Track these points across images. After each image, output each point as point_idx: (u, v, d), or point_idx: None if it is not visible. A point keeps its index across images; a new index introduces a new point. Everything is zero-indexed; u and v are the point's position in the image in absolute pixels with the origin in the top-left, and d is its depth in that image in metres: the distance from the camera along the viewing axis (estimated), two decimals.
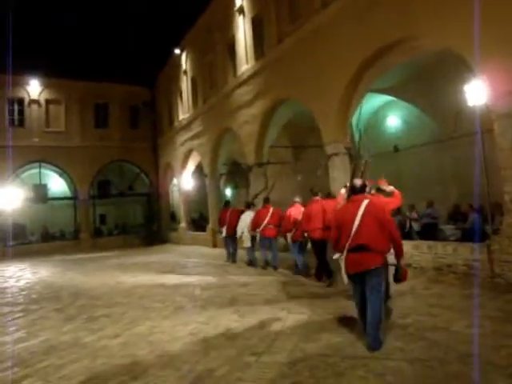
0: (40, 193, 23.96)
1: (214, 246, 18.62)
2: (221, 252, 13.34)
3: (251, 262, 11.68)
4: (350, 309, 6.30)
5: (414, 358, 4.30)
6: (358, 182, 5.10)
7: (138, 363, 4.76)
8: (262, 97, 14.74)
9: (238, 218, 12.26)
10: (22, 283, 12.08)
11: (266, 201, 11.55)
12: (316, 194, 9.13)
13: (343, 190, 7.84)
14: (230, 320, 6.29)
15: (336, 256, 5.00)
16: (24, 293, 10.33)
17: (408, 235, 11.52)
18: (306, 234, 9.12)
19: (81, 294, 9.62)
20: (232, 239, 12.84)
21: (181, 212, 24.13)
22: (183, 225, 23.35)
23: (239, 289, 8.72)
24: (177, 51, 22.32)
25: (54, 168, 25.05)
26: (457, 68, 9.99)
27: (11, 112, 23.93)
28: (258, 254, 11.60)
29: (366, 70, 10.52)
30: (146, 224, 26.70)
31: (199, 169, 21.98)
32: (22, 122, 24.24)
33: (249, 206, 12.54)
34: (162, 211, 26.91)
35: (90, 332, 6.22)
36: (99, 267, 14.76)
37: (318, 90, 11.70)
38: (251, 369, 4.36)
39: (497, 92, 7.13)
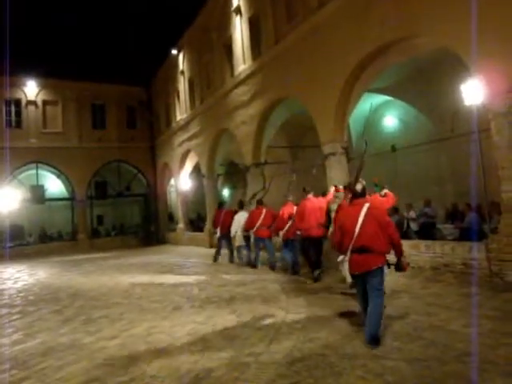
0: (37, 194, 23.93)
1: (212, 246, 18.57)
2: (221, 253, 13.37)
3: (249, 262, 11.70)
4: (347, 306, 6.36)
5: (412, 357, 4.31)
6: (359, 186, 5.31)
7: (136, 364, 4.75)
8: (259, 97, 14.73)
9: (232, 218, 12.49)
10: (19, 285, 12.04)
11: (260, 202, 11.74)
12: (308, 193, 9.28)
13: (332, 189, 8.80)
14: (227, 320, 6.29)
15: (340, 258, 5.23)
16: (22, 294, 10.30)
17: (406, 235, 11.53)
18: (298, 232, 9.29)
19: (79, 295, 9.61)
20: (227, 239, 12.97)
21: (178, 212, 24.09)
22: (181, 225, 23.33)
23: (237, 288, 8.73)
24: (174, 51, 22.26)
25: (52, 169, 24.99)
26: (454, 68, 10.04)
27: (8, 113, 23.86)
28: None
29: (363, 70, 10.52)
30: (144, 225, 26.71)
31: (197, 169, 21.95)
32: (19, 123, 24.17)
33: (242, 206, 12.80)
34: (160, 212, 26.85)
35: (88, 333, 6.21)
36: (97, 268, 14.74)
37: (315, 89, 11.70)
38: (250, 369, 4.35)
39: (494, 91, 7.14)
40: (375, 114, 16.18)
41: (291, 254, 9.97)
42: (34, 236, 24.98)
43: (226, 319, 6.36)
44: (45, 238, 25.13)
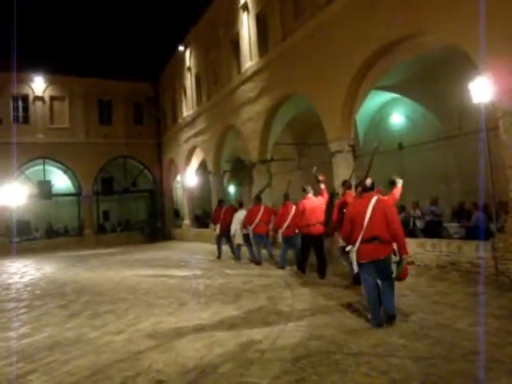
0: (44, 189, 24.10)
1: None
2: (224, 249, 13.40)
3: (253, 259, 11.72)
4: (352, 302, 6.36)
5: (418, 355, 4.30)
6: (368, 181, 5.62)
7: (142, 359, 4.78)
8: (265, 93, 14.72)
9: (232, 216, 12.53)
10: (26, 279, 12.13)
11: (258, 200, 11.86)
12: (308, 192, 9.37)
13: (323, 186, 9.17)
14: (233, 316, 6.31)
15: (349, 248, 5.59)
16: (28, 289, 10.37)
17: (412, 233, 11.50)
18: (297, 231, 9.48)
19: (85, 290, 9.67)
20: (226, 237, 13.04)
21: (184, 209, 24.15)
22: (187, 222, 23.39)
23: (241, 285, 8.74)
24: (181, 48, 22.28)
25: (58, 164, 25.14)
26: (462, 65, 9.95)
27: (16, 109, 24.01)
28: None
29: (369, 68, 10.49)
30: (150, 221, 26.79)
31: (203, 166, 21.99)
32: (26, 119, 24.33)
33: (241, 204, 12.95)
34: (166, 208, 26.93)
35: (94, 328, 6.25)
36: (103, 263, 14.82)
37: (321, 87, 11.68)
38: (255, 365, 4.36)
39: (502, 89, 7.08)
40: (382, 112, 16.14)
41: (287, 251, 10.29)
42: (40, 231, 25.15)
43: (231, 316, 6.37)
44: (51, 233, 25.30)
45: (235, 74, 17.26)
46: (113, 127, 26.46)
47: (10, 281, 12.04)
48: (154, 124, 27.61)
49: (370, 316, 5.48)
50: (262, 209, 11.42)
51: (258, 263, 11.30)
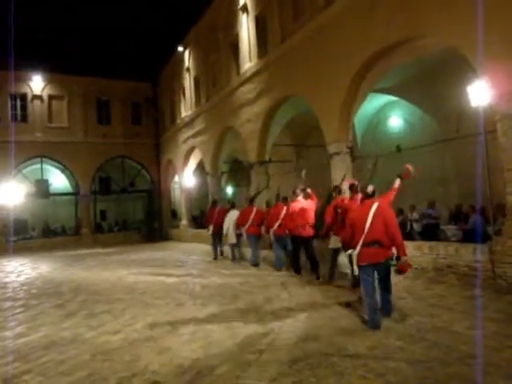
0: (42, 188, 24.01)
1: None
2: (224, 250, 13.43)
3: (252, 261, 11.69)
4: (350, 303, 6.35)
5: (414, 358, 4.30)
6: (370, 188, 5.87)
7: (138, 359, 4.76)
8: (264, 95, 14.71)
9: (225, 216, 12.80)
10: (22, 278, 12.09)
11: (251, 201, 12.28)
12: (297, 195, 9.54)
13: (309, 190, 9.54)
14: (230, 317, 6.29)
15: (349, 252, 5.78)
16: (25, 288, 10.34)
17: (409, 236, 11.50)
18: (287, 232, 9.74)
19: (81, 289, 9.64)
20: (218, 236, 13.34)
21: (182, 209, 24.13)
22: (184, 222, 23.36)
23: (239, 286, 8.73)
24: (180, 48, 22.27)
25: (56, 163, 25.04)
26: (460, 68, 9.97)
27: (14, 107, 23.96)
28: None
29: (368, 70, 10.50)
30: (147, 221, 26.75)
31: (201, 166, 21.96)
32: (24, 118, 24.25)
33: (233, 205, 13.30)
34: (163, 208, 26.87)
35: (91, 328, 6.22)
36: (100, 263, 14.78)
37: (320, 89, 11.68)
38: (252, 367, 4.35)
39: (500, 92, 7.10)
40: (380, 115, 16.15)
41: (282, 252, 10.45)
42: (37, 230, 25.06)
43: (228, 316, 6.36)
44: (48, 232, 25.22)
45: (234, 76, 17.25)
46: (111, 127, 26.40)
47: (7, 280, 12.00)
48: (153, 124, 27.57)
49: (367, 317, 5.50)
50: (255, 210, 11.73)
51: (255, 265, 11.27)
